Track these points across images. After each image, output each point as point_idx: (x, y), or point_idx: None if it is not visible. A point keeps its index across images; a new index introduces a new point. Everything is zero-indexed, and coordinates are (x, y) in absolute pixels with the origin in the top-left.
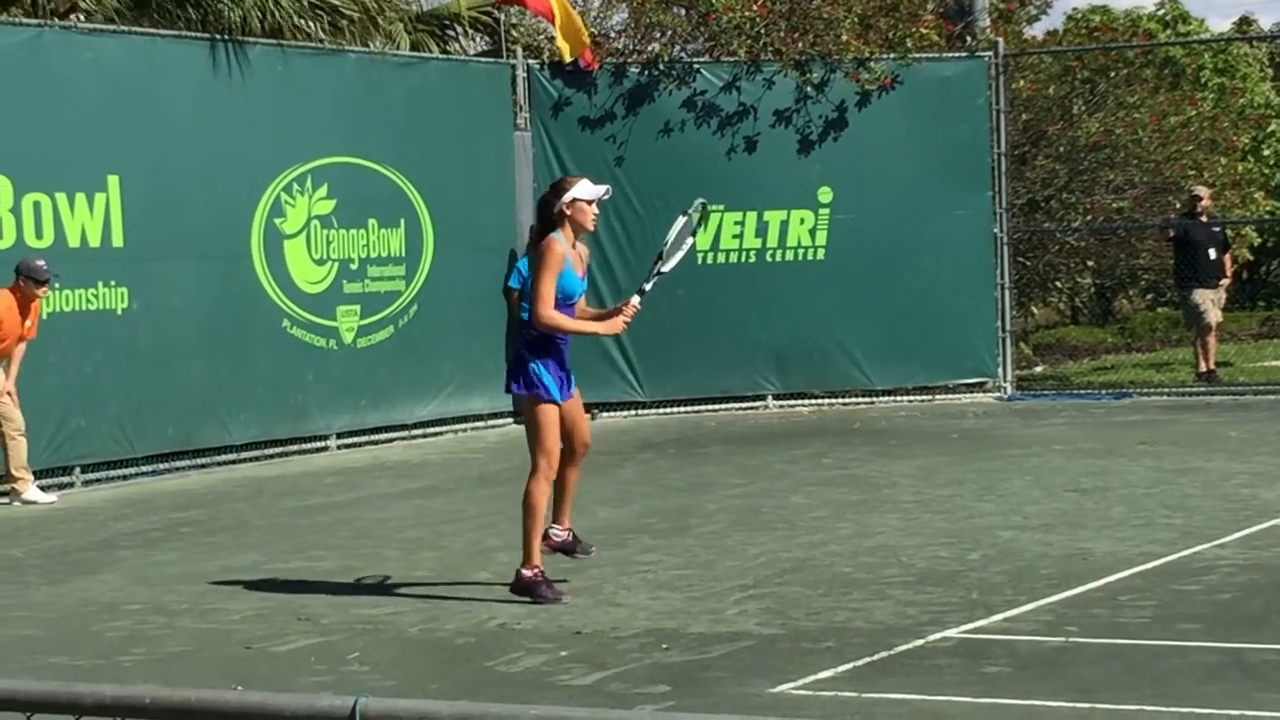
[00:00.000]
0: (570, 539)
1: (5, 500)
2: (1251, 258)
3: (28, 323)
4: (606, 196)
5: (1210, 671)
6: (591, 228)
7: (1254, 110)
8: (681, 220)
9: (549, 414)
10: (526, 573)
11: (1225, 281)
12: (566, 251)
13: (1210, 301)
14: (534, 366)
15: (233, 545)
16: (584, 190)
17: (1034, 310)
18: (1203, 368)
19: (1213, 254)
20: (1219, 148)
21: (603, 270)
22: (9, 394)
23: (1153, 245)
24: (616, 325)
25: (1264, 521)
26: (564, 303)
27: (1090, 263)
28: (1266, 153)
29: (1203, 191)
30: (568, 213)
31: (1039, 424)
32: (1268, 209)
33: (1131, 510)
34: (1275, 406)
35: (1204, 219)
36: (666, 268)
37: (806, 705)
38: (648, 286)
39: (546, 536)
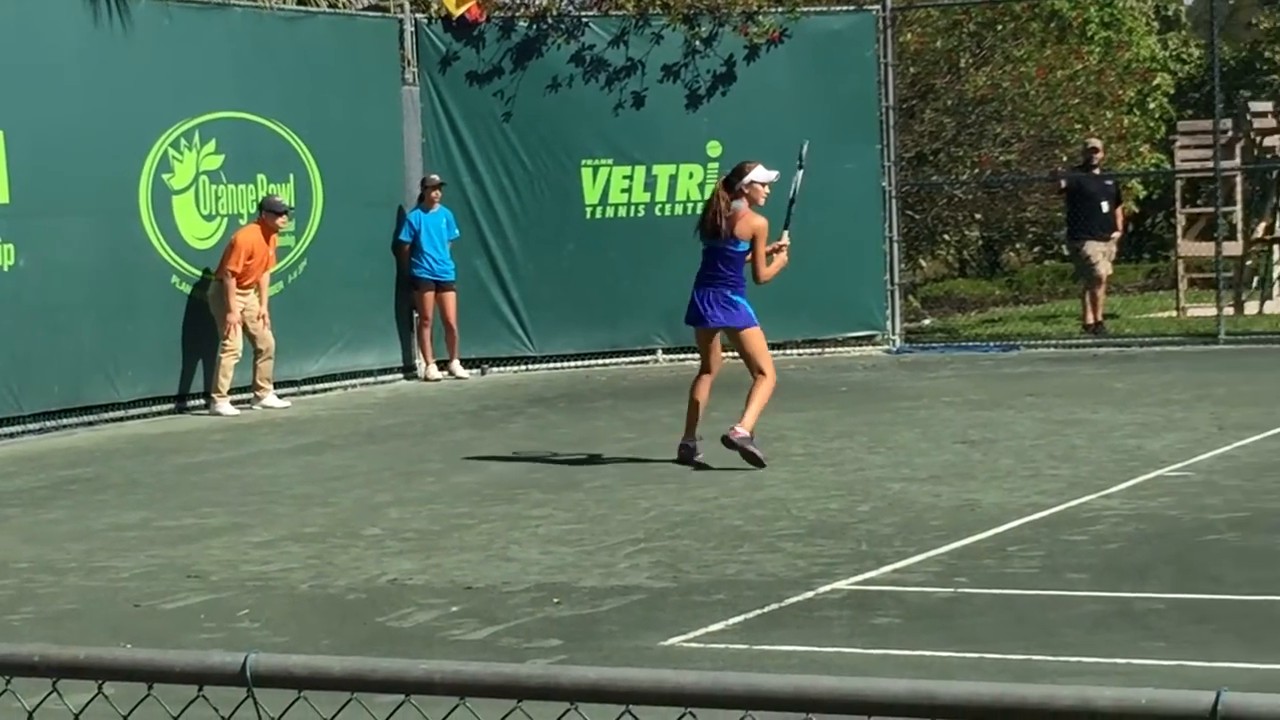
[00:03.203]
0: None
1: (248, 406)
2: (1137, 210)
3: (270, 252)
4: (776, 180)
5: (1097, 621)
6: (762, 203)
7: (1140, 64)
8: (800, 173)
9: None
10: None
11: (1117, 235)
12: None
13: (1101, 254)
14: (746, 303)
15: (121, 503)
16: (759, 174)
17: (922, 263)
18: (1090, 319)
19: (1105, 207)
20: (1105, 101)
21: (492, 226)
22: (263, 317)
23: (1040, 198)
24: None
25: (1149, 472)
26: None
27: (978, 216)
28: (1152, 106)
29: (1097, 144)
30: (746, 191)
31: (927, 376)
32: (1153, 162)
33: (1019, 461)
34: (1161, 358)
35: (1097, 171)
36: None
37: (697, 657)
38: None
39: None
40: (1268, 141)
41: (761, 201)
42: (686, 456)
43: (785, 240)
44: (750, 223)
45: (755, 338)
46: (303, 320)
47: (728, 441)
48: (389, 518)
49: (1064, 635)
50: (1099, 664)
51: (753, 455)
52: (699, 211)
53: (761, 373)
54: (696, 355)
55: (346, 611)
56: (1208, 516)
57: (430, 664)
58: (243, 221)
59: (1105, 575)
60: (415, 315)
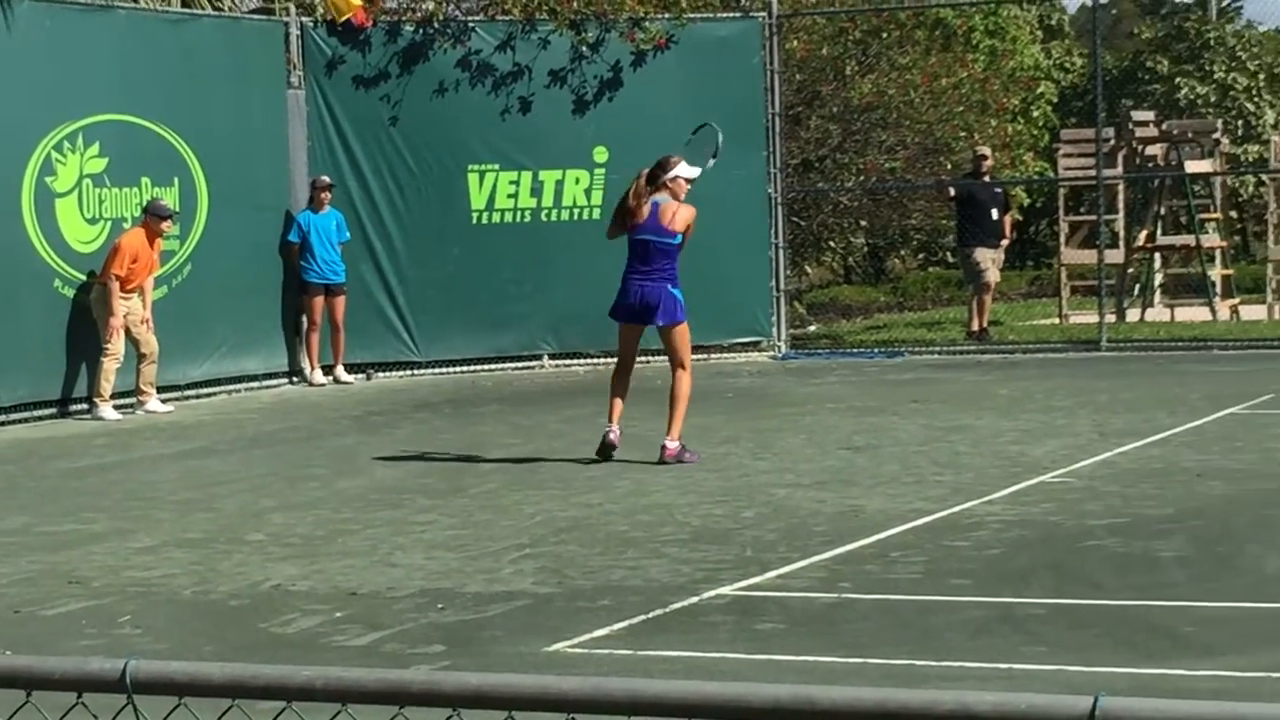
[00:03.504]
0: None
1: (131, 410)
2: (1021, 218)
3: (154, 256)
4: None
5: (979, 626)
6: (682, 198)
7: (1024, 72)
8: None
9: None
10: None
11: (1005, 242)
12: None
13: (990, 261)
14: (681, 296)
15: (1, 508)
16: (684, 170)
17: (808, 269)
18: (974, 326)
19: (995, 214)
20: (989, 109)
21: (378, 231)
22: (146, 321)
23: (924, 205)
24: None
25: (1032, 478)
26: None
27: (863, 222)
28: (1036, 114)
29: (986, 151)
30: (669, 185)
31: (813, 382)
32: (1037, 170)
33: (903, 468)
34: (1044, 365)
35: (987, 179)
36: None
37: (582, 663)
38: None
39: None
40: (1149, 150)
41: (682, 196)
42: (606, 448)
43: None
44: (684, 215)
45: (685, 332)
46: (187, 324)
47: (663, 463)
48: (273, 523)
49: (946, 640)
50: (981, 669)
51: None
52: (586, 217)
53: (682, 366)
54: (583, 362)
55: (229, 617)
56: (1088, 522)
57: (312, 670)
58: (127, 225)
59: (987, 581)
60: (304, 320)
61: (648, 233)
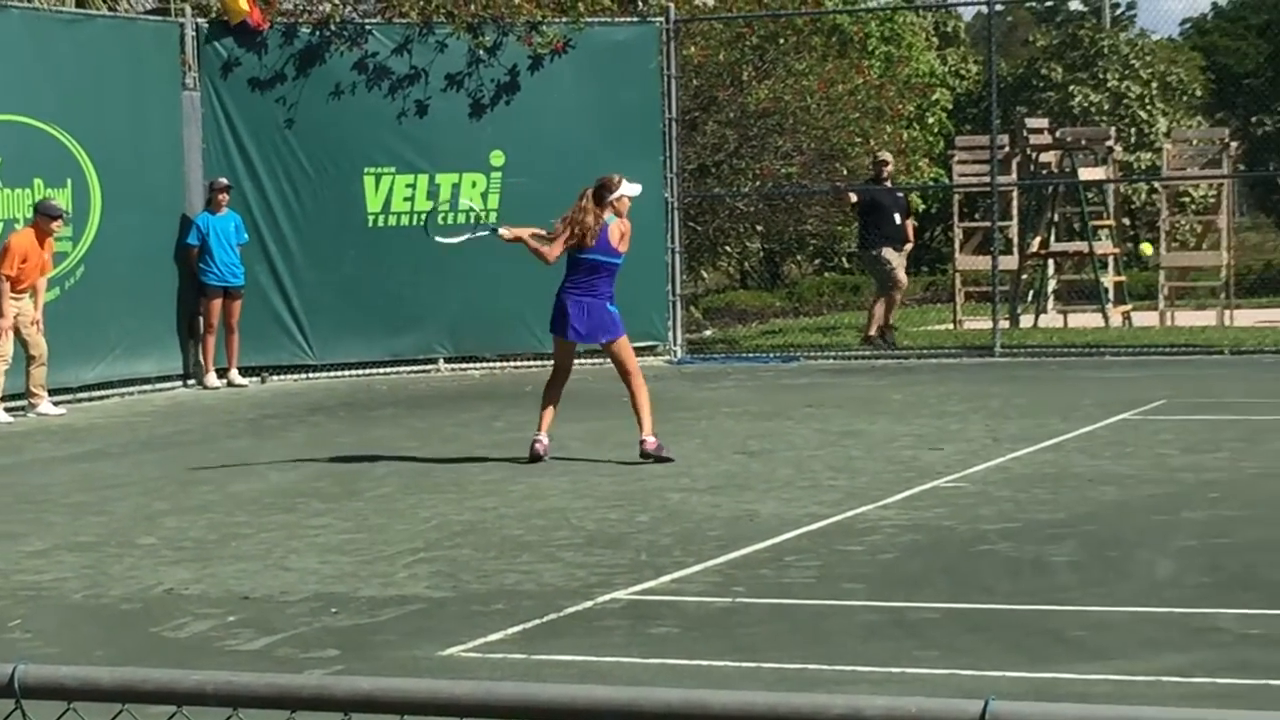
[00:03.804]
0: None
1: (22, 413)
2: (916, 224)
3: (46, 256)
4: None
5: (872, 630)
6: (624, 215)
7: (919, 79)
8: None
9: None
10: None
11: (908, 246)
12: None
13: (897, 262)
14: (617, 311)
15: None
16: (628, 189)
17: (704, 274)
18: (873, 330)
19: (897, 218)
20: (885, 116)
21: (273, 233)
22: (36, 323)
23: (820, 211)
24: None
25: (925, 483)
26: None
27: (759, 227)
28: (931, 121)
29: (888, 157)
30: (614, 203)
31: (708, 387)
32: (932, 176)
33: (798, 472)
34: (938, 370)
35: (889, 184)
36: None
37: (476, 667)
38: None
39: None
40: (1043, 157)
41: (624, 214)
42: (537, 453)
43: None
44: (627, 235)
45: (626, 343)
46: (80, 326)
47: (644, 455)
48: (165, 527)
49: (839, 644)
50: (873, 673)
51: (664, 458)
52: (483, 220)
53: (630, 374)
54: (479, 365)
55: (121, 622)
56: (981, 527)
57: (202, 674)
58: (18, 225)
59: (880, 585)
60: (201, 322)
61: (598, 253)
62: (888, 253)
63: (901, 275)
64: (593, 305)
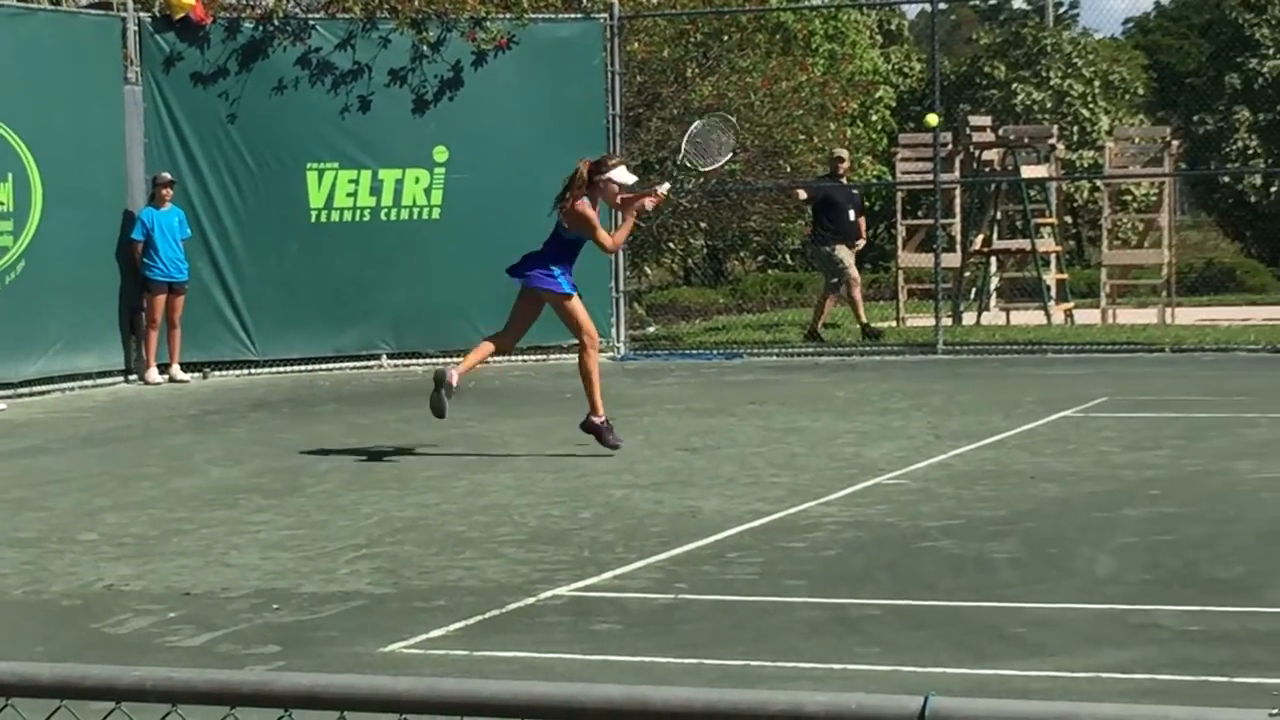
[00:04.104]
0: None
1: None
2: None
3: None
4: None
5: (814, 627)
6: (609, 201)
7: (863, 77)
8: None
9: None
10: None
11: (861, 243)
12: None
13: (850, 259)
14: (561, 271)
15: None
16: (620, 175)
17: (647, 271)
18: (819, 325)
19: (851, 215)
20: (829, 113)
21: (215, 228)
22: None
23: (764, 208)
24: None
25: (868, 480)
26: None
27: (703, 224)
28: (874, 118)
29: (844, 154)
30: (601, 185)
31: (651, 383)
32: (875, 174)
33: (740, 469)
34: (880, 367)
35: (844, 181)
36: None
37: (417, 663)
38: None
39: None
40: (986, 155)
41: (609, 200)
42: (438, 402)
43: (664, 189)
44: (577, 220)
45: (571, 307)
46: (20, 322)
47: (586, 428)
48: (106, 523)
49: (781, 641)
50: (815, 669)
51: (607, 442)
52: (425, 217)
53: (580, 344)
54: (422, 361)
55: (61, 618)
56: (923, 524)
57: (142, 671)
58: None
59: (822, 582)
60: (143, 318)
61: (558, 222)
62: (841, 250)
63: (854, 271)
64: (535, 256)
